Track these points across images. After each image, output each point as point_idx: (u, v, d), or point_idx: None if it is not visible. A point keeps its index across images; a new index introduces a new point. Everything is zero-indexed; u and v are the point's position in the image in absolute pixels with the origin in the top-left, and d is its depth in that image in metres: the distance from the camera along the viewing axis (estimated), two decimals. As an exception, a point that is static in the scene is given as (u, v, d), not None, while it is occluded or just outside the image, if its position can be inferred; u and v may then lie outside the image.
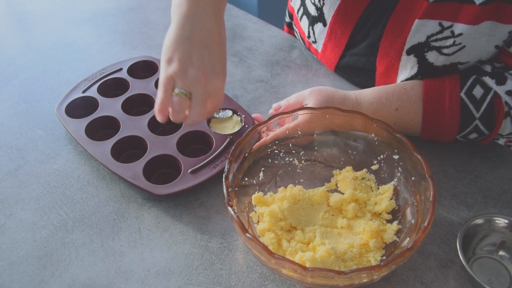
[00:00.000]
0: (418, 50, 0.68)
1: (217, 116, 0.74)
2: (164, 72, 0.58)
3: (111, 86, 0.80)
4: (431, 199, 0.52)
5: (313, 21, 0.83)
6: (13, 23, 1.02)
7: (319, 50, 0.86)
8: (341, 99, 0.68)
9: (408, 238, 0.54)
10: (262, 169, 0.64)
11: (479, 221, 0.59)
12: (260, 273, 0.58)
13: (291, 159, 0.66)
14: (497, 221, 0.59)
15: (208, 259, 0.59)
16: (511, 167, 0.70)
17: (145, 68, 0.83)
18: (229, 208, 0.51)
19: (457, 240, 0.56)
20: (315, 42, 0.86)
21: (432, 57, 0.67)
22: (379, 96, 0.68)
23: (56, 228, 0.62)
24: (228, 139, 0.70)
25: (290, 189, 0.62)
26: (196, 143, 0.72)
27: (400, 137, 0.59)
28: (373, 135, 0.63)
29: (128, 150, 0.71)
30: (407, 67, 0.70)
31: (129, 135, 0.71)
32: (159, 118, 0.60)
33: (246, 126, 0.72)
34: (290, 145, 0.66)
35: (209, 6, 0.58)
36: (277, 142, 0.65)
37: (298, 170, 0.67)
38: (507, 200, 0.66)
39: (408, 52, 0.69)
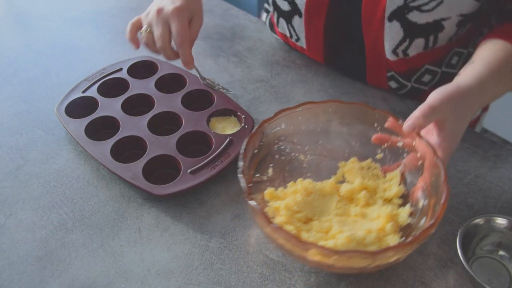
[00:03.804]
0: (399, 14, 0.69)
1: (216, 88, 0.77)
2: (134, 18, 0.73)
3: (111, 86, 0.80)
4: (442, 178, 0.53)
5: (289, 17, 0.83)
6: (13, 23, 1.02)
7: (304, 45, 0.86)
8: (469, 103, 0.60)
9: (424, 218, 0.55)
10: (271, 165, 0.64)
11: (479, 221, 0.59)
12: (260, 273, 0.58)
13: (296, 155, 0.67)
14: (497, 221, 0.59)
15: (208, 259, 0.59)
16: (511, 167, 0.70)
17: (145, 68, 0.83)
18: (251, 201, 0.52)
19: (457, 240, 0.56)
20: (298, 39, 0.86)
21: (414, 17, 0.68)
22: (492, 69, 0.62)
23: (56, 228, 0.62)
24: (227, 140, 0.70)
25: (300, 182, 0.62)
26: (196, 143, 0.72)
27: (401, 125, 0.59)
28: (376, 124, 0.63)
29: (128, 150, 0.71)
30: (392, 34, 0.72)
31: (129, 135, 0.71)
32: (133, 46, 0.74)
33: (246, 126, 0.72)
34: (295, 140, 0.66)
35: None
36: (282, 138, 0.65)
37: (304, 165, 0.67)
38: (507, 200, 0.66)
39: (390, 19, 0.70)
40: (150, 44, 0.71)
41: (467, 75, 0.61)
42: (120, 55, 0.91)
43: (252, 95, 0.82)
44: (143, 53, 0.90)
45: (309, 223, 0.59)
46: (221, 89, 0.77)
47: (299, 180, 0.63)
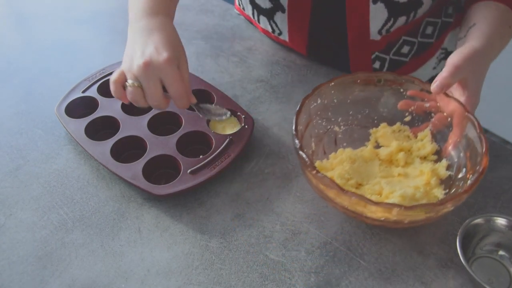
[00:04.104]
0: None
1: (216, 118, 0.73)
2: (115, 72, 0.64)
3: (111, 86, 0.80)
4: (478, 130, 0.58)
5: (270, 13, 0.84)
6: (13, 23, 1.02)
7: (287, 39, 0.87)
8: (483, 63, 0.65)
9: (463, 170, 0.60)
10: (312, 139, 0.67)
11: (479, 221, 0.59)
12: (260, 273, 0.58)
13: (331, 127, 0.70)
14: (497, 221, 0.59)
15: (208, 259, 0.59)
16: (511, 167, 0.70)
17: (145, 68, 0.83)
18: (319, 174, 0.55)
19: (457, 240, 0.56)
20: (280, 33, 0.87)
21: None
22: (495, 28, 0.67)
23: (56, 228, 0.62)
24: (227, 140, 0.70)
25: (341, 153, 0.66)
26: (196, 143, 0.72)
27: (428, 88, 0.63)
28: (401, 90, 0.67)
29: (128, 150, 0.71)
30: (378, 15, 0.74)
31: (129, 135, 0.71)
32: (125, 101, 0.65)
33: (246, 126, 0.72)
34: (329, 113, 0.69)
35: (148, 10, 0.65)
36: (318, 112, 0.68)
37: (339, 136, 0.70)
38: (507, 200, 0.66)
39: (374, 1, 0.72)
40: (139, 99, 0.63)
41: (475, 36, 0.65)
42: (120, 55, 0.90)
43: (252, 95, 0.82)
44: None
45: (360, 188, 0.63)
46: (219, 116, 0.73)
47: (340, 150, 0.66)
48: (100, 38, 0.96)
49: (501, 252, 0.59)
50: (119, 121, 0.73)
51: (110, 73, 0.81)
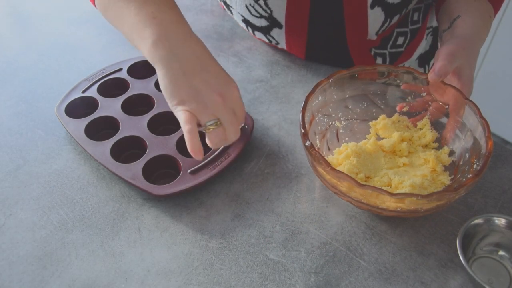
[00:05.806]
0: (380, 0, 0.73)
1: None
2: (182, 116, 0.54)
3: (111, 86, 0.80)
4: (478, 115, 0.60)
5: (267, 30, 0.84)
6: (13, 23, 1.02)
7: (285, 47, 0.88)
8: (470, 54, 0.67)
9: (467, 154, 0.62)
10: (317, 136, 0.68)
11: (479, 221, 0.59)
12: (260, 273, 0.58)
13: (333, 122, 0.71)
14: (496, 221, 0.59)
15: (208, 259, 0.59)
16: (511, 167, 0.70)
17: (145, 68, 0.83)
18: (335, 170, 0.55)
19: (457, 240, 0.57)
20: (278, 43, 0.88)
21: None
22: (478, 17, 0.69)
23: (56, 228, 0.62)
24: (228, 139, 0.70)
25: (345, 147, 0.66)
26: (196, 143, 0.72)
27: (424, 79, 0.65)
28: (398, 81, 0.69)
29: (128, 150, 0.71)
30: (376, 18, 0.75)
31: (129, 135, 0.71)
32: (199, 158, 0.56)
33: (246, 126, 0.72)
34: (330, 109, 0.70)
35: (179, 34, 0.56)
36: (320, 109, 0.68)
37: (341, 131, 0.71)
38: (507, 200, 0.66)
39: (372, 6, 0.73)
40: (224, 140, 0.57)
41: (463, 27, 0.67)
42: (120, 55, 0.91)
43: (252, 95, 0.82)
44: (143, 53, 0.90)
45: (369, 181, 0.64)
46: None
47: (344, 145, 0.67)
48: (100, 38, 0.96)
49: (501, 252, 0.59)
50: (119, 121, 0.73)
51: (110, 73, 0.81)
